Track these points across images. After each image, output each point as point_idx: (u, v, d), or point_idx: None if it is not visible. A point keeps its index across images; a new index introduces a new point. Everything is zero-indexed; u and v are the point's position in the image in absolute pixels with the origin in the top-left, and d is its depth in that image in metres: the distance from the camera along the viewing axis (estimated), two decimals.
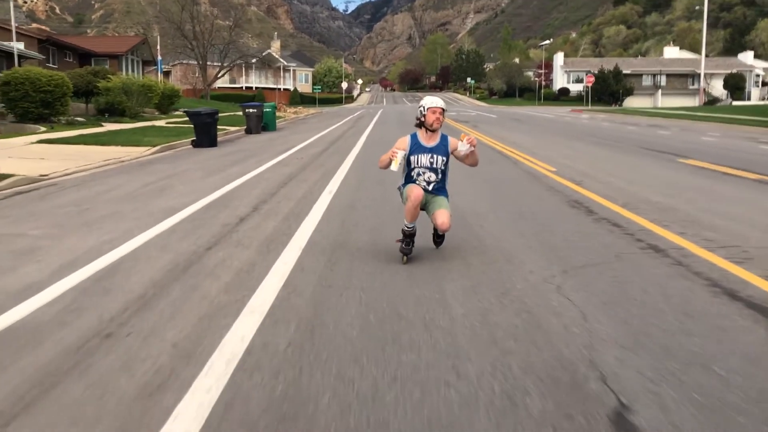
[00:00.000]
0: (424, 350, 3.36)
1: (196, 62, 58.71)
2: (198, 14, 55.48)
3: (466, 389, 2.88)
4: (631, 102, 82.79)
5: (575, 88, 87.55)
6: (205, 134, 17.04)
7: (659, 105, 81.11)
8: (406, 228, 5.26)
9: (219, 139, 18.87)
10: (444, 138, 5.33)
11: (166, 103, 33.75)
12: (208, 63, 59.57)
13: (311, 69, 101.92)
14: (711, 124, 29.43)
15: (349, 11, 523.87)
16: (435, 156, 5.25)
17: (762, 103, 70.10)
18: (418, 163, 5.26)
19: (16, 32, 34.76)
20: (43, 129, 21.38)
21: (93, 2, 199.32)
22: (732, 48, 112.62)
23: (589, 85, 64.95)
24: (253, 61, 76.50)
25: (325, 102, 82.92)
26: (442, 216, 5.12)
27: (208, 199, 8.30)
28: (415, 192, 5.12)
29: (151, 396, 2.83)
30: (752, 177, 10.64)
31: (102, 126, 23.91)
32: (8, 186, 9.71)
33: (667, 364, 3.16)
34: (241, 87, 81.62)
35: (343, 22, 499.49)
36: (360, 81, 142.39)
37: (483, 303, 4.15)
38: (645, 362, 3.18)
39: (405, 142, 5.31)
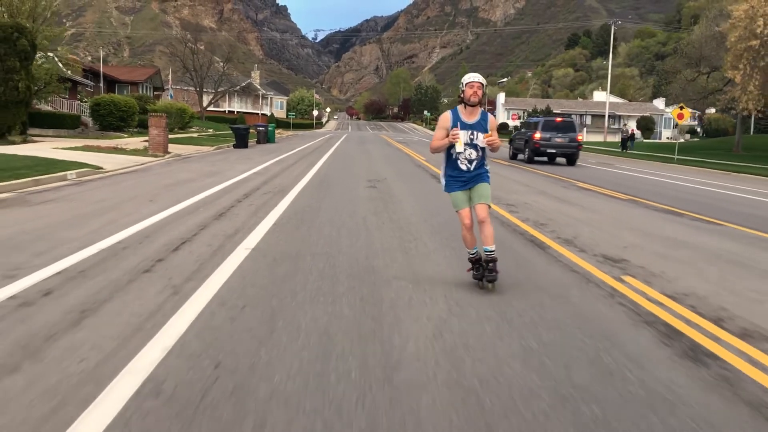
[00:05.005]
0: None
1: (193, 88, 70.76)
2: (198, 51, 67.73)
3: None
4: None
5: (514, 123, 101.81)
6: (241, 140, 29.43)
7: (585, 139, 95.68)
8: (469, 255, 5.46)
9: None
10: (484, 114, 5.28)
11: (187, 121, 46.05)
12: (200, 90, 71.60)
13: (286, 97, 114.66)
14: (604, 156, 40.81)
15: (318, 39, 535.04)
16: (475, 132, 5.20)
17: (657, 141, 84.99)
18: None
19: (65, 63, 46.54)
20: (125, 135, 33.46)
21: (65, 21, 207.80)
22: (658, 94, 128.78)
23: (513, 121, 78.89)
24: (236, 88, 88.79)
25: (297, 126, 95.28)
26: (482, 211, 5.27)
27: (253, 171, 20.02)
28: (465, 219, 5.35)
29: (236, 233, 15.28)
30: (608, 192, 23.23)
31: None
32: (174, 156, 22.02)
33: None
34: (225, 111, 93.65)
35: (312, 50, 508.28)
36: (328, 109, 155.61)
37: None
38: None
39: (447, 117, 5.33)
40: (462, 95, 5.21)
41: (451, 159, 5.36)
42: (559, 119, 27.68)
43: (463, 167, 5.29)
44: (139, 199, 10.66)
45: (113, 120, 34.87)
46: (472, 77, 5.18)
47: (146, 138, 31.77)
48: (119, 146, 23.48)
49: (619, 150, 45.96)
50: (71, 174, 14.02)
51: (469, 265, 5.45)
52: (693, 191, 16.83)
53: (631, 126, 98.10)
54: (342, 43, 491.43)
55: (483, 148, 5.28)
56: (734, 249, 8.05)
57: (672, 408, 3.21)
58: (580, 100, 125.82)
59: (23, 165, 14.30)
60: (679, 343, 4.25)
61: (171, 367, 3.48)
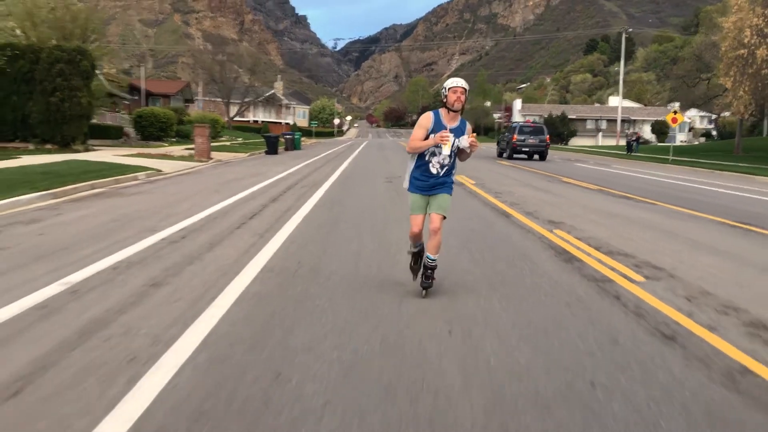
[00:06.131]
0: None
1: (220, 99, 74.45)
2: (225, 65, 71.40)
3: None
4: (576, 141, 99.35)
5: None
6: (272, 147, 32.60)
7: (599, 144, 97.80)
8: (412, 249, 5.62)
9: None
10: (463, 121, 5.27)
11: (219, 131, 49.46)
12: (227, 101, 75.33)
13: (308, 106, 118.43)
14: (606, 158, 43.64)
15: (338, 48, 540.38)
16: (452, 138, 5.14)
17: (670, 145, 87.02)
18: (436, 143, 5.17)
19: (109, 80, 50.21)
20: (165, 144, 36.79)
21: (89, 35, 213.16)
22: (675, 98, 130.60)
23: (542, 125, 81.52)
24: (260, 99, 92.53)
25: (319, 135, 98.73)
26: (436, 221, 5.28)
27: (288, 172, 23.19)
28: (415, 227, 5.39)
29: (288, 210, 18.28)
30: (582, 184, 26.26)
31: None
32: (216, 162, 25.17)
33: None
34: (249, 120, 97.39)
35: (331, 59, 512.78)
36: (349, 117, 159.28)
37: None
38: None
39: (429, 118, 5.26)
40: (445, 100, 5.17)
41: (422, 161, 5.30)
42: (531, 125, 35.81)
43: (434, 170, 5.26)
44: (206, 191, 13.71)
45: (154, 130, 38.23)
46: (455, 82, 5.15)
47: (186, 146, 35.07)
48: (167, 153, 26.72)
49: (625, 153, 48.36)
50: (141, 175, 17.14)
51: (409, 258, 5.72)
52: (658, 184, 19.60)
53: (639, 130, 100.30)
54: (361, 51, 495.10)
55: (455, 155, 5.29)
56: (649, 217, 10.93)
57: (545, 276, 6.14)
58: (597, 105, 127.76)
59: (100, 168, 17.46)
60: (564, 256, 7.16)
61: (274, 262, 6.49)
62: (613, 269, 6.50)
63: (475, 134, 5.27)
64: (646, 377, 3.68)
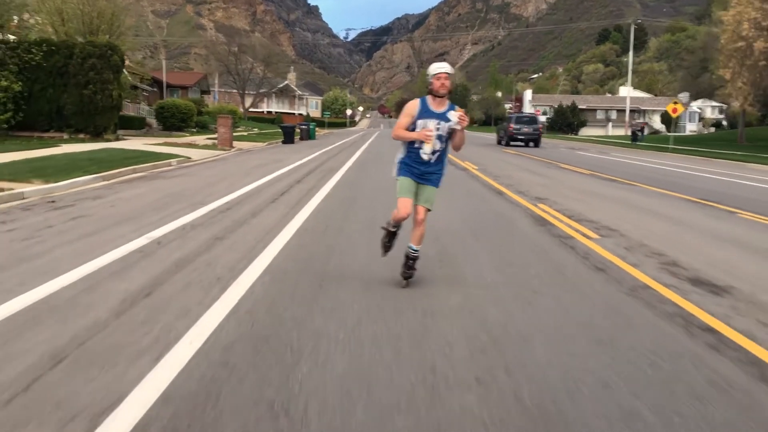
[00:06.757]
0: None
1: (235, 90, 76.26)
2: (240, 57, 73.20)
3: None
4: (586, 131, 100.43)
5: (541, 119, 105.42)
6: (288, 137, 34.31)
7: (609, 134, 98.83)
8: (391, 228, 5.58)
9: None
10: (452, 106, 5.20)
11: (236, 121, 51.24)
12: (242, 92, 77.16)
13: (320, 97, 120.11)
14: (610, 147, 45.27)
15: (350, 39, 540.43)
16: (441, 123, 5.14)
17: (680, 135, 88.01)
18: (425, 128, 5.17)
19: (131, 73, 52.05)
20: (187, 134, 38.56)
21: (115, 30, 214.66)
22: (684, 89, 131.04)
23: (537, 115, 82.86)
24: (274, 90, 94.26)
25: (332, 125, 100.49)
26: (422, 213, 5.35)
27: (306, 159, 24.86)
28: (403, 211, 5.32)
29: (311, 189, 19.93)
30: (577, 169, 27.82)
31: (214, 134, 41.15)
32: (238, 150, 26.89)
33: None
34: (263, 111, 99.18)
35: (343, 49, 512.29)
36: (361, 108, 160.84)
37: None
38: None
39: (415, 106, 5.26)
40: (430, 86, 5.16)
41: (413, 148, 5.29)
42: (526, 115, 42.19)
43: (425, 157, 5.25)
44: (237, 175, 15.41)
45: (175, 121, 39.98)
46: (439, 68, 5.15)
47: (208, 136, 36.83)
48: (191, 143, 28.47)
49: (630, 142, 49.64)
50: (173, 161, 18.86)
51: (384, 233, 5.69)
52: (649, 170, 21.16)
53: (649, 120, 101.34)
54: (373, 41, 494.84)
55: (447, 140, 5.27)
56: (626, 196, 12.54)
57: (520, 234, 7.78)
58: (608, 95, 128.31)
59: (136, 156, 19.19)
60: (540, 222, 8.80)
61: (307, 224, 8.18)
62: (576, 230, 8.12)
63: (463, 110, 5.17)
64: (574, 289, 5.34)
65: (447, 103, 5.20)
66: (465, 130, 5.30)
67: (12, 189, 10.83)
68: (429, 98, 5.22)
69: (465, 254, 6.51)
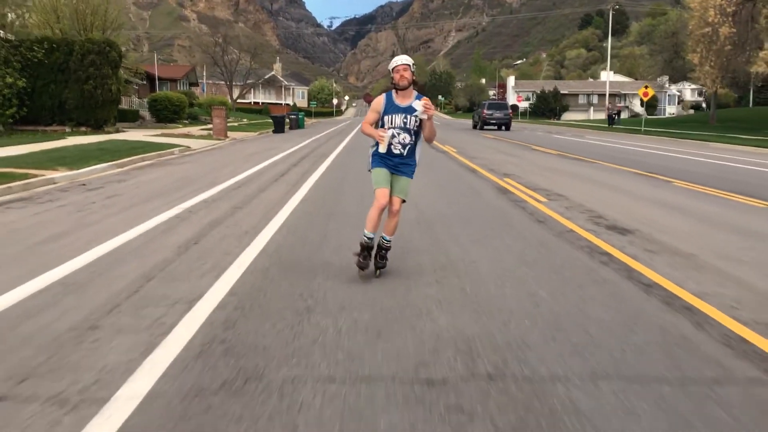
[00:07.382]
0: None
1: (223, 82, 77.49)
2: (227, 49, 74.45)
3: None
4: (568, 116, 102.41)
5: (523, 105, 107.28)
6: (279, 126, 35.84)
7: (591, 118, 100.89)
8: (365, 239, 5.35)
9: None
10: (419, 97, 5.18)
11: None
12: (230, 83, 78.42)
13: (306, 87, 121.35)
14: (586, 130, 47.10)
15: (334, 27, 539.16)
16: (408, 116, 5.17)
17: (659, 117, 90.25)
18: (392, 123, 5.23)
19: (125, 67, 53.22)
20: (180, 126, 39.96)
21: (108, 26, 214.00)
22: (665, 71, 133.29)
23: (519, 102, 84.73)
24: (260, 81, 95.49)
25: (319, 114, 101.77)
26: (396, 204, 5.39)
27: (298, 146, 26.57)
28: (382, 199, 5.30)
29: (307, 172, 21.56)
30: (547, 151, 29.57)
31: (207, 125, 42.55)
32: (232, 140, 28.41)
33: None
34: (250, 102, 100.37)
35: (327, 38, 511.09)
36: (347, 97, 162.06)
37: None
38: None
39: (380, 101, 5.31)
40: (392, 81, 5.22)
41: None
42: (498, 101, 46.35)
43: (396, 151, 5.28)
44: (237, 162, 17.00)
45: (168, 113, 41.31)
46: (397, 61, 5.21)
47: (201, 127, 38.27)
48: (188, 133, 29.95)
49: (606, 125, 51.46)
50: (176, 150, 20.40)
51: (358, 249, 5.39)
52: (614, 150, 23.03)
53: (629, 104, 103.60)
54: (357, 30, 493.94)
55: (417, 133, 5.31)
56: (583, 171, 14.29)
57: (483, 200, 9.47)
58: (590, 80, 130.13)
59: (140, 146, 20.70)
60: (502, 191, 10.50)
61: (308, 196, 9.85)
62: (530, 196, 9.85)
63: (427, 98, 5.16)
64: (517, 234, 7.06)
65: (414, 94, 5.24)
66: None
67: (43, 175, 12.41)
68: (394, 93, 5.27)
69: (438, 217, 8.16)
